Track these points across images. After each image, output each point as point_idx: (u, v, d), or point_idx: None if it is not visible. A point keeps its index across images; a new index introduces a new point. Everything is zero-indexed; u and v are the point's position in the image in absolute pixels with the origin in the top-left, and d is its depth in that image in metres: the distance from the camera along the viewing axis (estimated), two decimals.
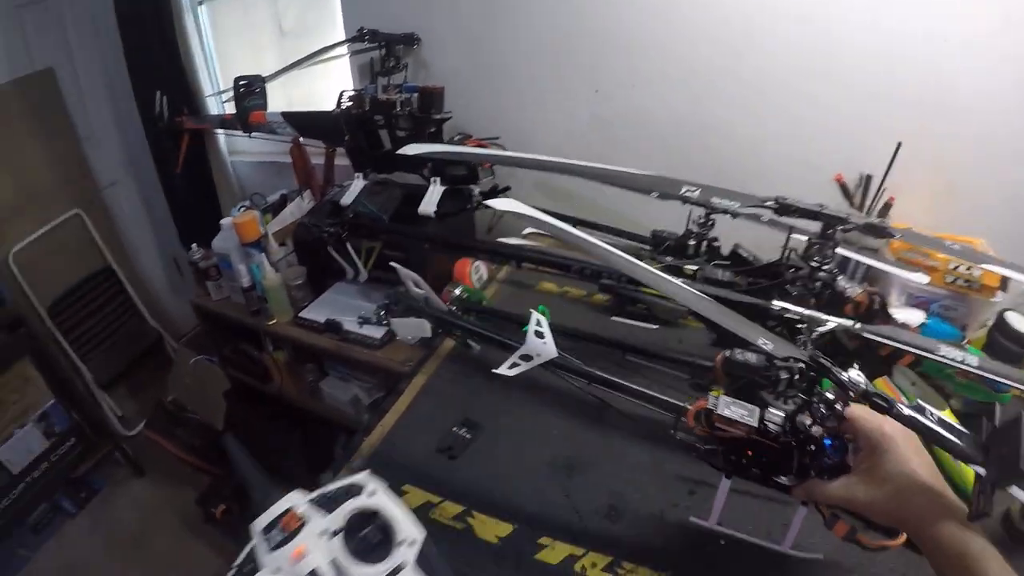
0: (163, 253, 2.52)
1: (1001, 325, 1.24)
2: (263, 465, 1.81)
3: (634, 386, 0.86)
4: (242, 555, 0.53)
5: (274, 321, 1.54)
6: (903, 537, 0.73)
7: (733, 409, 0.74)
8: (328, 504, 0.54)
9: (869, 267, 1.38)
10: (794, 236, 1.04)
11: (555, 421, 1.04)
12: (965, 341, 1.29)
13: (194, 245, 1.74)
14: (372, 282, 1.39)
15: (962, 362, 0.96)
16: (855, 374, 0.69)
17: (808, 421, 0.71)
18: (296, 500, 0.54)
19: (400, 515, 0.56)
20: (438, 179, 1.37)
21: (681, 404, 0.81)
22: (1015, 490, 0.63)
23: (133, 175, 2.43)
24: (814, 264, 1.00)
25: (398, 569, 0.52)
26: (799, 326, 0.93)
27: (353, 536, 0.53)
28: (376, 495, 0.55)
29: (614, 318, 1.26)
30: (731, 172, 1.10)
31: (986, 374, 1.06)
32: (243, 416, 1.82)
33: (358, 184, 1.49)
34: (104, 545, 2.01)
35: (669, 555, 0.88)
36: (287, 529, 0.52)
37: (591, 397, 0.90)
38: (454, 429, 1.04)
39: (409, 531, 0.55)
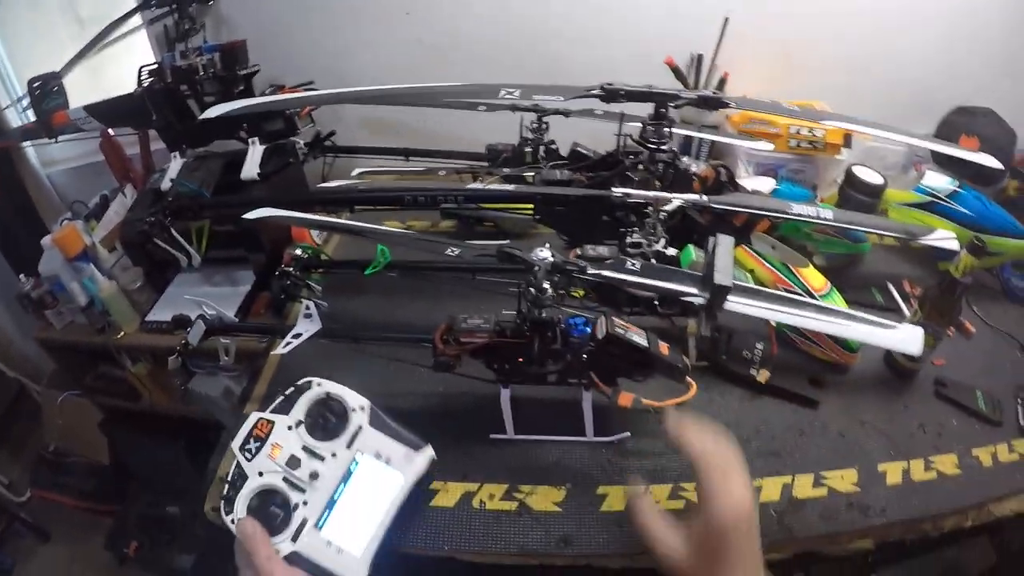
0: (4, 294, 2.26)
1: (851, 179, 1.26)
2: (160, 485, 1.69)
3: (389, 334, 0.91)
4: (230, 473, 0.64)
5: (122, 333, 1.40)
6: (692, 390, 0.80)
7: (470, 321, 0.81)
8: (286, 407, 0.67)
9: (713, 144, 1.39)
10: (631, 123, 1.00)
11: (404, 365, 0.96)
12: (818, 200, 1.31)
13: (21, 276, 1.55)
14: (210, 264, 1.26)
15: (817, 217, 0.97)
16: (540, 251, 0.73)
17: (532, 308, 0.76)
18: (259, 415, 0.66)
19: (346, 391, 0.70)
20: (256, 139, 1.26)
21: (428, 335, 0.84)
22: (731, 303, 0.73)
23: None
24: (651, 146, 0.97)
25: (357, 432, 0.66)
26: (646, 210, 0.90)
27: (315, 423, 0.67)
28: (322, 383, 0.68)
29: (464, 241, 1.19)
30: (564, 74, 1.05)
31: (842, 224, 1.08)
32: (125, 441, 1.69)
33: (176, 164, 1.35)
34: None
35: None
36: (261, 435, 0.64)
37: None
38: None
39: (356, 400, 0.70)
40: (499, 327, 0.80)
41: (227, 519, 0.60)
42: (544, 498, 0.82)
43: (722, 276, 0.67)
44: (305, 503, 0.62)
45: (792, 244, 1.15)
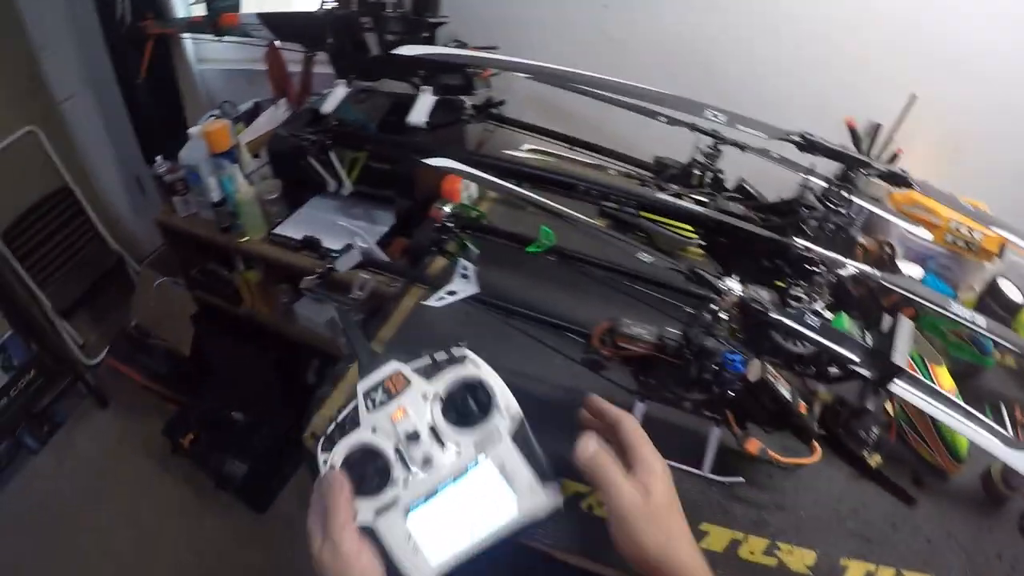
0: (124, 171, 2.35)
1: (993, 290, 1.23)
2: (233, 390, 1.74)
3: (544, 316, 0.89)
4: (344, 412, 0.54)
5: (246, 238, 1.43)
6: (817, 454, 0.80)
7: (634, 328, 0.77)
8: (430, 371, 0.55)
9: (868, 217, 1.36)
10: (802, 175, 0.99)
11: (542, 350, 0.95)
12: (958, 301, 1.27)
13: (159, 158, 1.61)
14: (354, 197, 1.28)
15: (972, 322, 0.94)
16: (732, 283, 0.71)
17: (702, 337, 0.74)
18: (400, 365, 0.55)
19: (502, 388, 0.56)
20: (430, 88, 1.27)
21: (586, 330, 0.82)
22: (896, 386, 0.69)
23: (92, 87, 2.21)
24: (831, 206, 0.94)
25: (493, 436, 0.53)
26: (813, 268, 0.88)
27: (452, 404, 0.54)
28: (480, 366, 0.56)
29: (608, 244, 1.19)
30: (739, 101, 1.03)
31: (995, 336, 1.05)
32: (213, 340, 1.73)
33: (340, 91, 1.37)
34: (69, 482, 1.93)
35: None
36: (391, 391, 0.54)
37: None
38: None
39: (510, 404, 0.56)
40: (661, 342, 0.78)
41: (321, 457, 0.52)
42: None
43: (900, 357, 0.66)
44: (405, 483, 0.51)
45: (925, 337, 1.12)
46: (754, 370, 0.77)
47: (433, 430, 0.53)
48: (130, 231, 2.39)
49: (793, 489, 0.91)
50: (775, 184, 1.08)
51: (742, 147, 1.10)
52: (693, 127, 1.10)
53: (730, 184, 1.12)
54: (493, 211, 1.28)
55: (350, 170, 1.28)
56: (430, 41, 1.33)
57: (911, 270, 1.17)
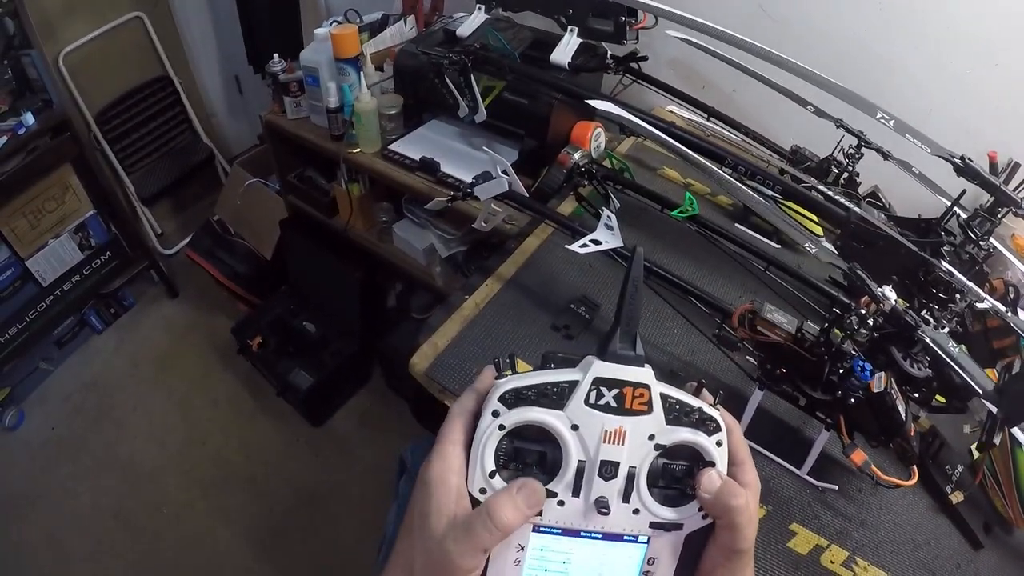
0: (225, 68, 2.34)
1: None
2: (310, 301, 1.71)
3: (682, 282, 0.87)
4: (554, 377, 0.40)
5: (358, 150, 1.41)
6: (915, 479, 0.78)
7: (776, 315, 0.76)
8: (675, 413, 0.41)
9: (988, 255, 1.31)
10: (948, 200, 0.94)
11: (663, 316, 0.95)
12: None
13: (276, 55, 1.58)
14: (475, 127, 1.24)
15: None
16: (888, 290, 0.69)
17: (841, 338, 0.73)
18: (652, 382, 0.40)
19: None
20: (576, 29, 1.22)
21: (726, 306, 0.82)
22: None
23: None
24: (972, 235, 0.91)
25: (675, 527, 0.42)
26: (944, 294, 0.86)
27: (666, 463, 0.42)
28: (722, 449, 0.42)
29: (737, 225, 1.15)
30: (887, 106, 0.98)
31: None
32: (297, 248, 1.72)
33: (479, 16, 1.33)
34: (128, 364, 1.97)
35: None
36: (626, 403, 0.40)
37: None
38: (571, 306, 0.94)
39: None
40: (800, 334, 0.76)
41: (494, 405, 0.39)
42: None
43: None
44: (558, 500, 0.40)
45: None
46: (878, 383, 0.75)
47: (631, 477, 0.41)
48: (223, 129, 2.40)
49: (878, 508, 0.90)
50: (910, 201, 1.07)
51: (885, 155, 1.05)
52: (840, 124, 1.05)
53: (862, 189, 1.08)
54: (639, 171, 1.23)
55: (485, 97, 1.24)
56: None
57: None
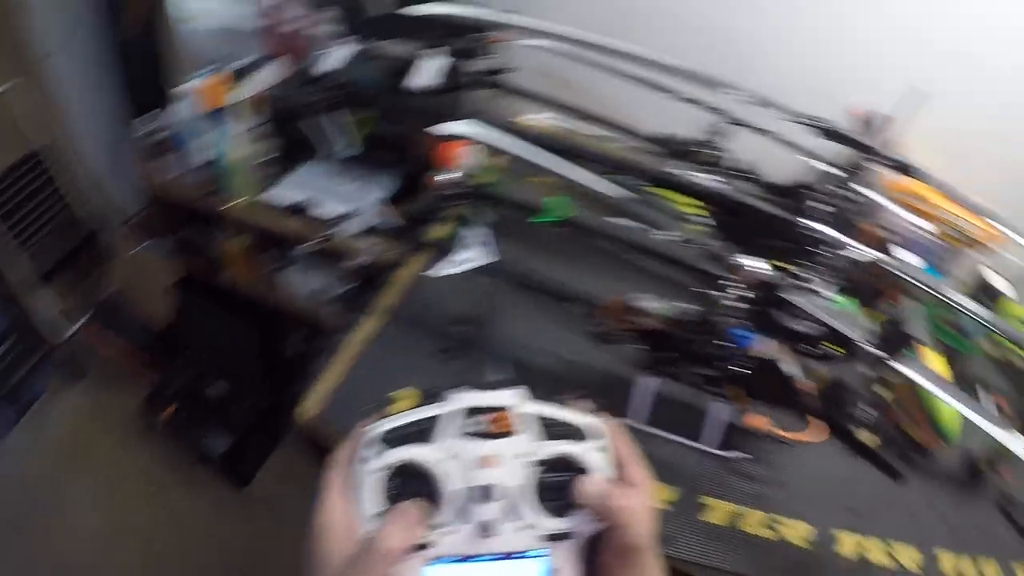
0: (105, 131, 2.25)
1: (980, 281, 1.27)
2: (214, 361, 1.65)
3: (558, 288, 0.89)
4: (425, 412, 0.42)
5: (236, 202, 1.37)
6: (820, 433, 0.85)
7: (647, 302, 0.77)
8: (549, 428, 0.43)
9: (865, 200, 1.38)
10: (810, 160, 0.99)
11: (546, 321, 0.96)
12: None
13: (144, 116, 1.53)
14: (351, 161, 1.23)
15: (968, 309, 0.95)
16: (756, 261, 0.71)
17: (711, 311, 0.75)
18: (520, 402, 0.42)
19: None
20: (436, 50, 1.22)
21: (598, 302, 0.82)
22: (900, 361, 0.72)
23: (72, 44, 2.10)
24: (837, 191, 0.94)
25: (567, 536, 0.42)
26: (817, 250, 0.87)
27: (548, 481, 0.42)
28: (601, 455, 0.43)
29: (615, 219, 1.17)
30: (748, 79, 1.02)
31: (987, 324, 1.06)
32: (193, 309, 1.66)
33: (345, 50, 1.32)
34: (44, 459, 1.84)
35: None
36: (494, 427, 0.41)
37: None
38: (454, 328, 0.94)
39: None
40: (673, 316, 0.78)
41: (374, 448, 0.41)
42: (655, 494, 0.82)
43: (916, 330, 0.66)
44: (446, 532, 0.41)
45: None
46: (764, 348, 0.78)
47: (512, 497, 0.42)
48: (110, 194, 2.29)
49: (790, 464, 0.93)
50: (775, 166, 1.06)
51: (752, 128, 1.08)
52: (703, 104, 1.08)
53: (735, 164, 1.11)
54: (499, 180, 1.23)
55: (354, 132, 1.23)
56: None
57: (911, 258, 1.18)
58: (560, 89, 1.37)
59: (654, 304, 0.80)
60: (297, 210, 1.28)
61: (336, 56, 1.29)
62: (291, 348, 1.70)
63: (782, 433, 0.82)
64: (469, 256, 0.89)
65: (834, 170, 0.98)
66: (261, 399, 1.63)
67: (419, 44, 1.25)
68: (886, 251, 1.07)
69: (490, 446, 0.41)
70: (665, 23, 1.32)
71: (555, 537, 0.41)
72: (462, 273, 0.89)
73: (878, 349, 0.71)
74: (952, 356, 1.26)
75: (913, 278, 0.96)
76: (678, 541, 0.79)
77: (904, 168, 0.98)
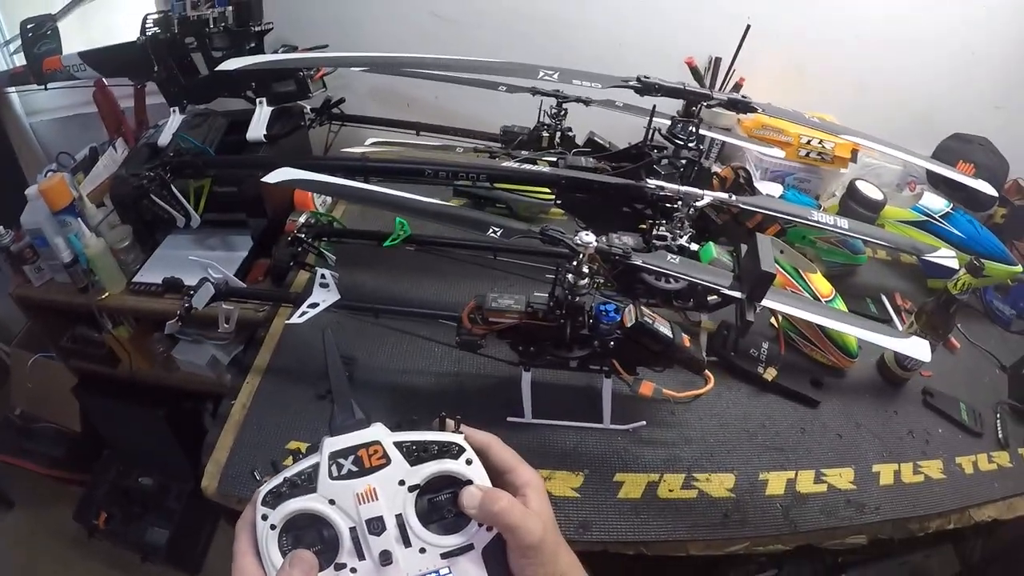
0: None
1: (853, 193, 1.30)
2: (134, 456, 1.60)
3: (412, 309, 0.87)
4: (301, 466, 0.44)
5: (106, 294, 1.33)
6: (711, 383, 0.83)
7: (500, 301, 0.77)
8: (415, 453, 0.45)
9: (723, 147, 1.41)
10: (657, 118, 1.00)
11: (419, 343, 0.96)
12: (820, 210, 1.35)
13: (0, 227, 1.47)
14: (205, 227, 1.21)
15: (835, 225, 0.99)
16: (585, 236, 0.70)
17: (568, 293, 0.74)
18: (382, 436, 0.44)
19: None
20: (264, 100, 1.22)
21: (454, 313, 0.82)
22: (768, 301, 0.72)
23: None
24: (679, 143, 0.97)
25: (465, 549, 0.44)
26: (671, 205, 0.90)
27: (430, 499, 0.45)
28: (473, 466, 0.45)
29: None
30: (576, 61, 1.04)
31: (857, 235, 1.10)
32: (99, 409, 1.61)
33: (175, 120, 1.31)
34: None
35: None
36: (365, 464, 0.44)
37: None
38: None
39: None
40: (531, 308, 0.79)
41: (260, 511, 0.42)
42: (562, 483, 0.83)
43: (767, 265, 0.67)
44: (351, 571, 0.43)
45: (796, 249, 1.17)
46: (629, 316, 0.79)
47: (401, 524, 0.44)
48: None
49: (698, 420, 0.94)
50: (629, 132, 1.09)
51: (586, 102, 1.11)
52: (535, 91, 1.10)
53: (581, 139, 1.14)
54: (350, 213, 1.24)
55: (197, 200, 1.21)
56: (258, 50, 1.28)
57: (770, 189, 1.22)
58: (401, 107, 1.39)
59: (506, 301, 0.80)
60: (166, 287, 1.25)
61: (168, 127, 1.27)
62: (205, 422, 1.66)
63: (673, 394, 0.83)
64: (325, 296, 0.89)
65: (673, 124, 0.99)
66: (186, 482, 1.59)
67: (247, 97, 1.24)
68: (750, 190, 1.10)
69: (365, 482, 0.43)
70: (490, 30, 1.35)
71: (454, 553, 0.43)
72: (324, 314, 0.89)
73: (741, 291, 0.71)
74: (847, 272, 1.31)
75: (765, 209, 1.00)
76: (595, 525, 0.80)
77: (738, 105, 0.98)
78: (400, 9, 1.31)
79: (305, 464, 0.44)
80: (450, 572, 0.43)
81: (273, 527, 0.42)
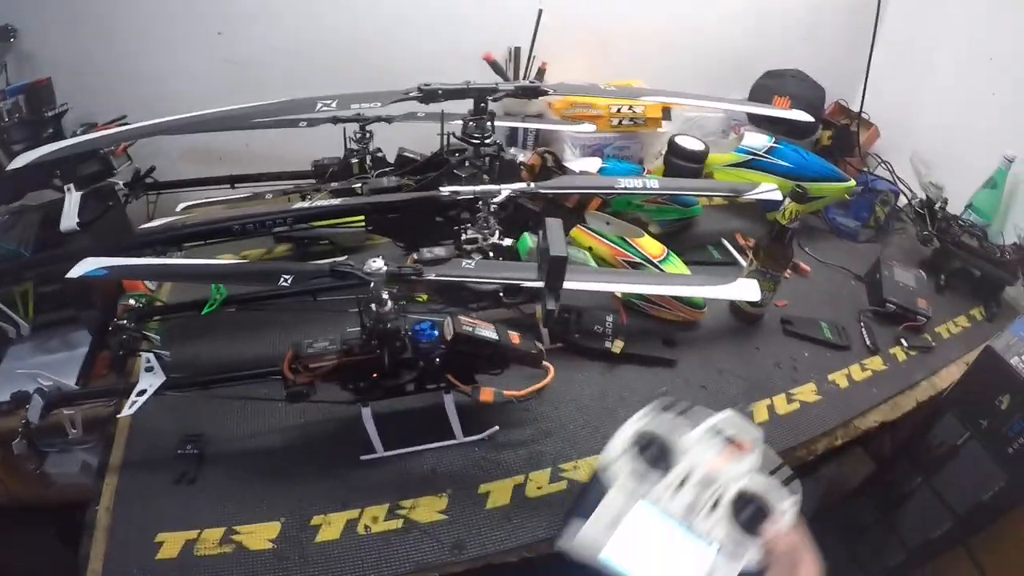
0: None
1: (673, 149, 1.36)
2: None
3: (239, 373, 0.86)
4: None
5: None
6: (551, 374, 0.86)
7: (316, 345, 0.78)
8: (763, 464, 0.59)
9: (538, 133, 1.45)
10: (454, 121, 1.00)
11: (262, 403, 0.94)
12: (646, 172, 1.39)
13: None
14: (41, 329, 1.15)
15: (644, 188, 1.02)
16: (373, 262, 0.72)
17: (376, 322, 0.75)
18: (756, 435, 0.60)
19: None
20: (71, 186, 1.16)
21: (276, 368, 0.81)
22: (574, 283, 0.74)
23: None
24: (475, 142, 0.98)
25: (736, 554, 0.53)
26: (478, 205, 0.91)
27: (746, 495, 0.56)
28: (785, 509, 0.56)
29: (302, 263, 1.17)
30: (386, 80, 1.04)
31: (668, 191, 1.14)
32: None
33: None
34: None
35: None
36: (733, 443, 0.59)
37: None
38: (179, 451, 0.91)
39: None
40: (346, 346, 0.79)
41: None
42: (428, 509, 0.83)
43: (557, 249, 0.68)
44: (668, 489, 0.55)
45: (626, 218, 1.21)
46: (447, 329, 0.80)
47: (718, 495, 0.55)
48: None
49: (554, 410, 0.95)
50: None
51: (388, 120, 1.12)
52: (336, 119, 1.10)
53: (392, 158, 1.14)
54: (175, 286, 1.19)
55: (24, 304, 1.15)
56: (58, 135, 1.23)
57: (588, 164, 1.26)
58: (214, 161, 1.36)
59: (321, 344, 0.80)
60: (16, 404, 1.18)
61: None
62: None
63: (513, 394, 0.84)
64: (152, 381, 0.86)
65: (465, 124, 0.99)
66: None
67: (55, 187, 1.18)
68: (560, 170, 1.12)
69: (727, 453, 0.57)
70: (283, 67, 1.34)
71: (727, 546, 0.54)
72: (162, 399, 0.86)
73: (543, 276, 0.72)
74: (686, 225, 1.37)
75: (568, 188, 1.02)
76: (469, 542, 0.79)
77: (527, 91, 1.00)
78: (193, 62, 1.27)
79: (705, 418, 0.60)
80: (718, 552, 0.53)
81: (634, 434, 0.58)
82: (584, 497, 0.58)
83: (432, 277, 0.73)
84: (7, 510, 1.44)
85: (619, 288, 0.84)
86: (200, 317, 0.97)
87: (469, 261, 0.78)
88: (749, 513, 0.55)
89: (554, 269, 0.69)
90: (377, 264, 0.72)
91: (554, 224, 0.73)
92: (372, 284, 0.73)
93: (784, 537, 0.53)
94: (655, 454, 0.57)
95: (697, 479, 0.56)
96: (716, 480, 0.56)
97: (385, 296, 0.75)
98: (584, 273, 0.82)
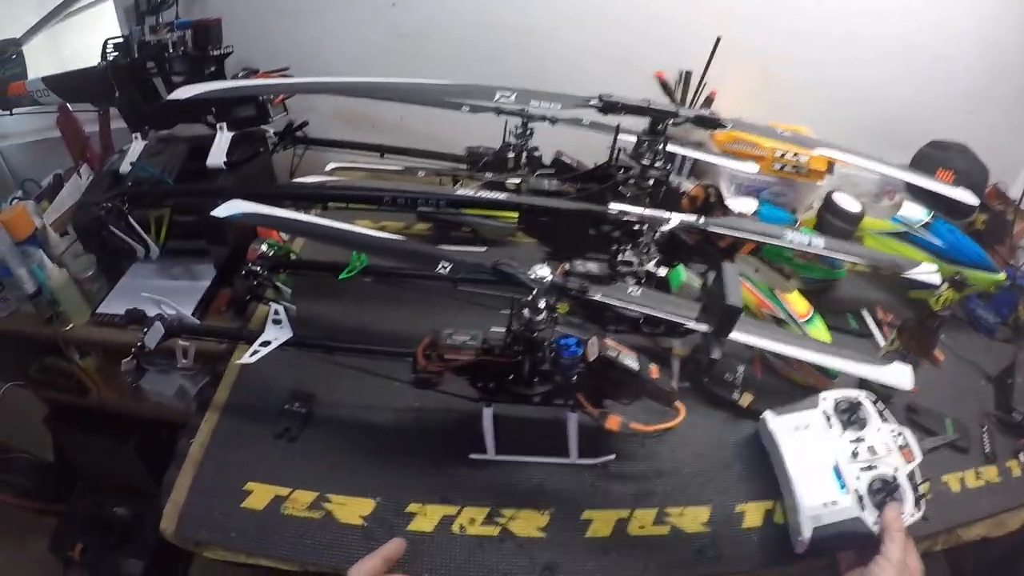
0: None
1: (829, 205, 1.25)
2: (107, 486, 1.55)
3: (367, 346, 0.85)
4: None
5: (71, 325, 1.30)
6: (681, 414, 0.80)
7: (456, 337, 0.76)
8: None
9: (695, 162, 1.38)
10: (620, 136, 0.96)
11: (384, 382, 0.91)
12: (797, 224, 1.32)
13: None
14: (169, 255, 1.19)
15: (810, 244, 0.96)
16: (540, 270, 0.69)
17: (524, 328, 0.73)
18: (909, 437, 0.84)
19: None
20: (224, 125, 1.20)
21: (408, 349, 0.79)
22: (737, 334, 0.70)
23: None
24: (645, 162, 0.94)
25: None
26: (637, 227, 0.87)
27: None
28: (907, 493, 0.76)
29: (440, 247, 1.15)
30: (549, 79, 1.01)
31: (833, 254, 1.07)
32: (72, 439, 1.58)
33: (137, 146, 1.28)
34: None
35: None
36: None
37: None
38: (286, 407, 0.91)
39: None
40: (487, 345, 0.77)
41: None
42: (527, 523, 0.79)
43: (734, 299, 0.63)
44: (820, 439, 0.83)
45: (772, 266, 1.14)
46: (592, 349, 0.76)
47: (874, 467, 0.77)
48: None
49: (670, 451, 0.90)
50: (598, 149, 1.03)
51: (552, 120, 1.08)
52: (499, 111, 1.07)
53: (548, 158, 1.11)
54: (309, 242, 1.20)
55: (158, 229, 1.18)
56: (219, 74, 1.26)
57: (744, 205, 1.19)
58: (366, 128, 1.37)
59: (461, 337, 0.77)
60: (129, 319, 1.23)
61: (130, 154, 1.24)
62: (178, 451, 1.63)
63: (641, 428, 0.80)
64: (277, 334, 0.86)
65: (639, 143, 0.94)
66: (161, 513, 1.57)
67: (208, 123, 1.22)
68: (721, 208, 1.06)
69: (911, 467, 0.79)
70: (455, 47, 1.32)
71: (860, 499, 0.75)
72: (280, 351, 0.86)
73: (707, 324, 0.68)
74: (825, 286, 1.28)
75: (734, 230, 0.96)
76: (562, 566, 0.76)
77: (706, 121, 0.94)
78: (362, 28, 1.28)
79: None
80: (873, 509, 0.74)
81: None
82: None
83: (597, 298, 0.69)
84: (94, 414, 1.51)
85: (781, 349, 0.78)
86: (330, 279, 0.96)
87: (635, 288, 0.74)
88: (883, 494, 0.74)
89: (726, 318, 0.64)
90: (543, 272, 0.70)
91: (731, 270, 0.68)
92: (535, 291, 0.70)
93: (897, 521, 0.70)
94: (850, 417, 0.84)
95: (868, 445, 0.77)
96: (879, 456, 0.76)
97: (542, 305, 0.72)
98: (749, 326, 0.76)
